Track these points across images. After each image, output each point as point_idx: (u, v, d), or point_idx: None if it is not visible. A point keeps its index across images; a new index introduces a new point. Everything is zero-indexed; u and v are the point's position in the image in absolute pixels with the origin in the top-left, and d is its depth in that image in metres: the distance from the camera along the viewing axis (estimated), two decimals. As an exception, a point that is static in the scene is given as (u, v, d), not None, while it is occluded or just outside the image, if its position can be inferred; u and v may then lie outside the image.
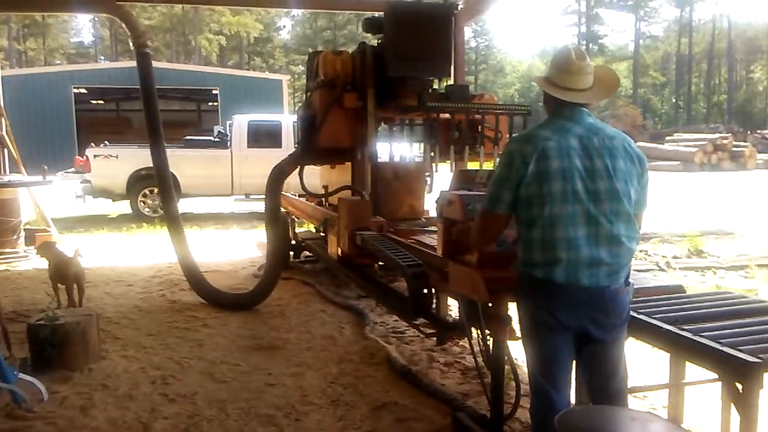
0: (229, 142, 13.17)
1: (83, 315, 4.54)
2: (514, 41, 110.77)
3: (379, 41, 5.94)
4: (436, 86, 6.03)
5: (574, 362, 2.66)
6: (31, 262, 8.42)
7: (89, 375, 4.27)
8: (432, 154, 5.56)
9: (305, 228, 9.09)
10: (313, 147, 6.01)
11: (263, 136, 12.89)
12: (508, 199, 2.53)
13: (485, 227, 2.70)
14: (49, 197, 11.34)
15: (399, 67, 5.64)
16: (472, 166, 5.63)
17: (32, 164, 10.98)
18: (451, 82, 6.89)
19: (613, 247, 2.47)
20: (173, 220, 6.43)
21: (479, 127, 5.67)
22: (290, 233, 7.98)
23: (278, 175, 6.18)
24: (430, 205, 6.38)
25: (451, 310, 5.07)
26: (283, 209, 7.55)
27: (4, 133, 10.19)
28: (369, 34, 6.18)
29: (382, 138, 6.64)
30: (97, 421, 3.63)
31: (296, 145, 6.94)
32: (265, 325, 5.56)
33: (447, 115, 5.68)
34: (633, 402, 3.53)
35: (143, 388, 4.11)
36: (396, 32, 5.66)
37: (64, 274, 5.65)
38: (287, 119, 13.45)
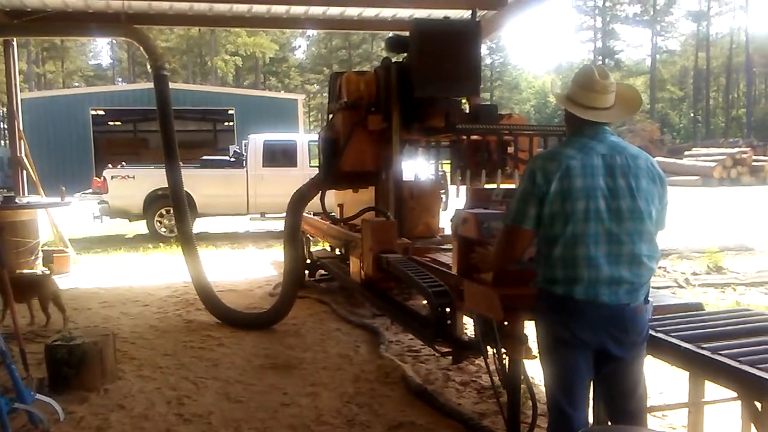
0: (244, 162, 13.26)
1: (100, 335, 4.55)
2: (529, 57, 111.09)
3: (404, 60, 5.79)
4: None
5: (592, 381, 2.64)
6: (49, 282, 8.49)
7: (105, 395, 4.29)
8: (460, 177, 5.28)
9: (320, 246, 9.09)
10: (336, 171, 5.91)
11: (278, 156, 13.00)
12: (533, 214, 2.51)
13: (510, 243, 2.64)
14: (67, 218, 11.47)
15: (426, 88, 5.44)
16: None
17: (51, 185, 11.13)
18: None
19: (634, 267, 2.46)
20: (187, 241, 6.45)
21: (507, 148, 5.42)
22: (306, 252, 7.98)
23: (299, 199, 6.11)
24: (445, 222, 6.38)
25: (466, 329, 5.04)
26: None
27: (23, 155, 10.37)
28: (392, 54, 6.03)
29: (405, 156, 6.52)
30: (113, 442, 3.64)
31: (315, 166, 6.82)
32: (280, 344, 5.55)
33: (475, 136, 5.43)
34: (652, 421, 3.48)
35: (159, 408, 4.11)
36: (422, 51, 5.48)
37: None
38: (302, 138, 13.57)
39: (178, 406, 4.14)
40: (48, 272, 5.84)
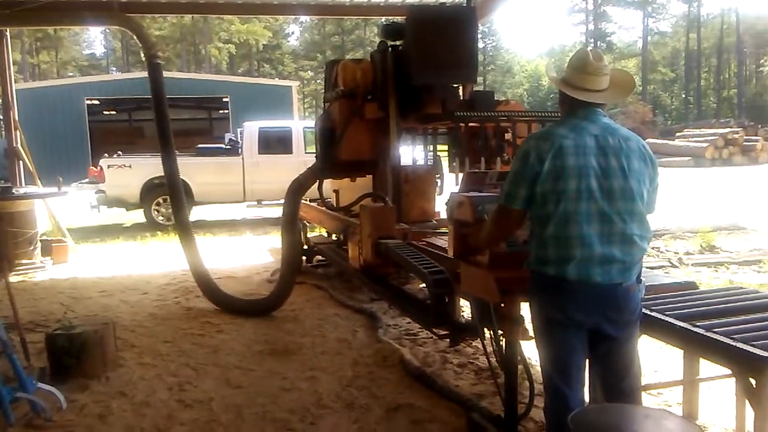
0: (240, 149, 13.26)
1: (100, 324, 4.58)
2: (521, 41, 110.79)
3: (400, 46, 5.73)
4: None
5: (587, 360, 2.67)
6: (47, 272, 8.52)
7: (107, 383, 4.32)
8: (459, 164, 5.24)
9: (317, 232, 9.12)
10: (333, 160, 5.89)
11: (274, 143, 12.99)
12: (524, 194, 2.55)
13: (501, 223, 2.71)
14: (64, 208, 11.46)
15: (424, 76, 5.39)
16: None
17: (47, 176, 11.12)
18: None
19: (626, 246, 2.49)
20: (184, 229, 6.47)
21: (505, 134, 5.42)
22: (303, 238, 7.99)
23: (297, 188, 6.10)
24: (440, 207, 6.40)
25: (463, 311, 5.08)
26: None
27: (19, 145, 10.34)
28: (388, 41, 5.91)
29: (402, 142, 6.47)
30: (115, 429, 3.68)
31: (311, 152, 6.80)
32: (279, 330, 5.59)
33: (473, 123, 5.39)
34: (647, 399, 3.53)
35: (160, 394, 4.15)
36: (419, 38, 5.43)
37: None
38: (297, 125, 13.56)
39: (179, 393, 4.18)
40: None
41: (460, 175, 5.09)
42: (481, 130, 5.30)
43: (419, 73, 5.41)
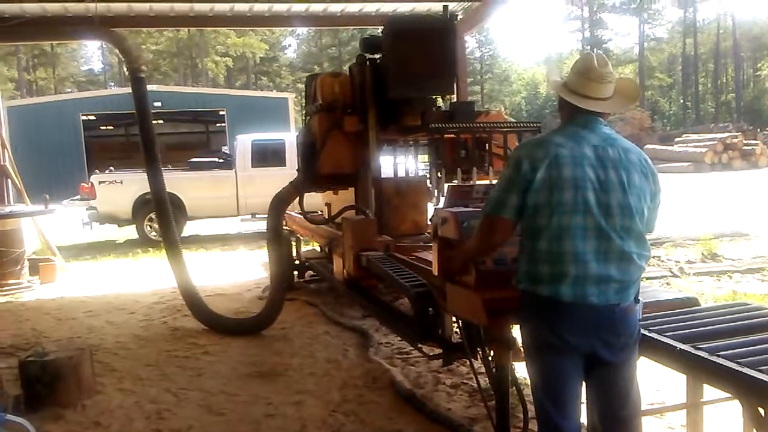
0: (233, 163, 13.10)
1: (75, 349, 4.39)
2: (518, 49, 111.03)
3: (379, 59, 5.70)
4: (440, 102, 5.82)
5: (582, 386, 2.49)
6: (34, 292, 8.33)
7: (82, 412, 4.12)
8: (438, 175, 5.24)
9: (310, 247, 8.93)
10: (314, 174, 5.82)
11: (267, 155, 12.84)
12: (515, 204, 2.38)
13: (488, 233, 2.51)
14: (56, 226, 11.30)
15: (401, 88, 5.37)
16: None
17: (42, 193, 10.96)
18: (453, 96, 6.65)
19: (623, 264, 2.33)
20: (172, 246, 6.29)
21: (486, 145, 5.38)
22: (294, 253, 7.83)
23: (279, 203, 6.03)
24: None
25: (456, 329, 4.88)
26: (287, 228, 7.43)
27: (6, 163, 10.17)
28: (366, 54, 5.88)
29: (384, 154, 6.43)
30: (88, 462, 3.49)
31: (297, 170, 6.70)
32: (267, 350, 5.40)
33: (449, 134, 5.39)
34: (649, 423, 3.33)
35: (137, 423, 3.95)
36: (396, 51, 5.39)
37: None
38: (291, 137, 13.39)
39: (157, 421, 3.98)
40: None
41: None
42: (459, 142, 5.25)
43: (396, 87, 5.37)
